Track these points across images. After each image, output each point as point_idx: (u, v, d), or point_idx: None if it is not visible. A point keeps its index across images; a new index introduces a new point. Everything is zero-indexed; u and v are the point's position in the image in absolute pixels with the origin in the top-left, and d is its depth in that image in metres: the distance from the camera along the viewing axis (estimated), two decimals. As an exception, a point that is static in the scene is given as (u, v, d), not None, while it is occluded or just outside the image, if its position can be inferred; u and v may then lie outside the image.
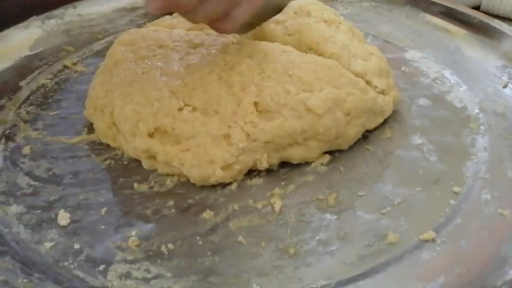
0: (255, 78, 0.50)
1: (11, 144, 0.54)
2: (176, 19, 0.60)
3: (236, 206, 0.46)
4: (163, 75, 0.51)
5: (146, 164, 0.50)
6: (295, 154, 0.49)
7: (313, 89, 0.49)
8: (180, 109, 0.48)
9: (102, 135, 0.53)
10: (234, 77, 0.50)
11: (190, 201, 0.47)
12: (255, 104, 0.48)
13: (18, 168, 0.51)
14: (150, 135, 0.48)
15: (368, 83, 0.54)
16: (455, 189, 0.47)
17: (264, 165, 0.48)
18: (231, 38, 0.55)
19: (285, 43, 0.56)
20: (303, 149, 0.50)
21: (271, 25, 0.58)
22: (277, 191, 0.47)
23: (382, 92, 0.54)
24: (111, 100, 0.52)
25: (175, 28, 0.58)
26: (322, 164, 0.50)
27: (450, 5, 0.73)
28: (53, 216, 0.46)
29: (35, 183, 0.49)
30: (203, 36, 0.56)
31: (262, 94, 0.48)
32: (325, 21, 0.58)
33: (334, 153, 0.52)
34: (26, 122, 0.57)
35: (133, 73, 0.52)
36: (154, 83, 0.50)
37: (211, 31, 0.54)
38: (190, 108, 0.48)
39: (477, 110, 0.57)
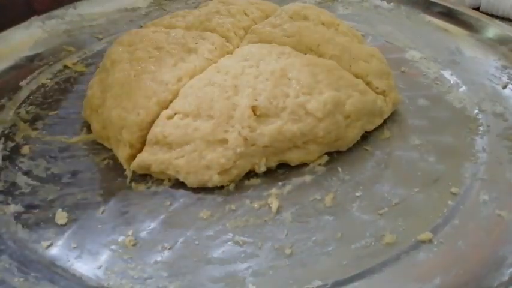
0: (251, 82, 0.49)
1: (10, 144, 0.54)
2: (175, 18, 0.60)
3: (233, 206, 0.46)
4: (154, 82, 0.50)
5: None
6: (294, 157, 0.49)
7: (313, 92, 0.49)
8: (170, 118, 0.48)
9: (97, 135, 0.53)
10: (227, 81, 0.49)
11: (187, 201, 0.47)
12: (253, 108, 0.47)
13: (17, 167, 0.51)
14: (131, 147, 0.48)
15: (368, 84, 0.54)
16: (454, 190, 0.47)
17: (262, 169, 0.48)
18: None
19: (283, 45, 0.55)
20: (302, 152, 0.49)
21: (267, 28, 0.57)
22: (274, 191, 0.47)
23: (383, 93, 0.54)
24: (105, 100, 0.51)
25: (174, 27, 0.58)
26: (320, 164, 0.50)
27: (450, 5, 0.73)
28: (50, 215, 0.46)
29: (34, 182, 0.49)
30: (199, 40, 0.55)
31: (260, 98, 0.48)
32: (323, 24, 0.58)
33: (332, 154, 0.51)
34: (25, 121, 0.58)
35: (126, 74, 0.51)
36: (144, 89, 0.49)
37: (207, 33, 0.54)
38: (181, 115, 0.48)
39: (476, 111, 0.57)
